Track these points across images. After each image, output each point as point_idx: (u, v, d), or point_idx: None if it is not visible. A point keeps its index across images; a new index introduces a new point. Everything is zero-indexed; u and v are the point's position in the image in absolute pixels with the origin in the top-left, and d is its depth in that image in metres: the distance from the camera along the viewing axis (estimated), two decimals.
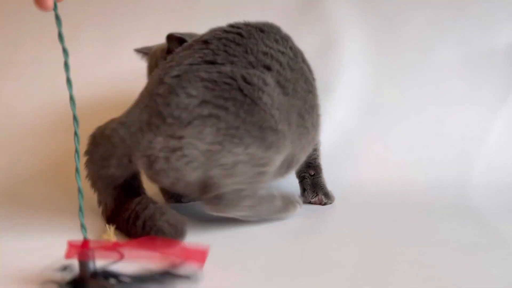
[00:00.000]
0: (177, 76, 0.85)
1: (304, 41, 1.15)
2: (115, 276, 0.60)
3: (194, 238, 0.80)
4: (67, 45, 1.66)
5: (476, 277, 0.69)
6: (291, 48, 1.01)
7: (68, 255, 0.61)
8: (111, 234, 0.81)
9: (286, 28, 1.06)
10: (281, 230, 0.92)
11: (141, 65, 1.46)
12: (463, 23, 1.51)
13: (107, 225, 0.84)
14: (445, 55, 1.51)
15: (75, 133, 0.62)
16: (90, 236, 0.62)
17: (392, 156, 1.41)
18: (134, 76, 1.43)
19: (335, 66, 1.54)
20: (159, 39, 1.62)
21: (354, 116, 1.50)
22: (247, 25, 0.97)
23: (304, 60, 1.05)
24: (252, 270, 0.70)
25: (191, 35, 1.06)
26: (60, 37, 0.66)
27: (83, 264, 0.59)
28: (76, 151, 0.63)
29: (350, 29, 1.58)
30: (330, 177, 1.17)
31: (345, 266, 0.72)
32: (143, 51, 1.23)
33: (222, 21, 1.01)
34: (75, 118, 0.63)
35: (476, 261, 0.75)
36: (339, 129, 1.45)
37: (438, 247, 0.82)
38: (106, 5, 1.73)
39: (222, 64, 0.88)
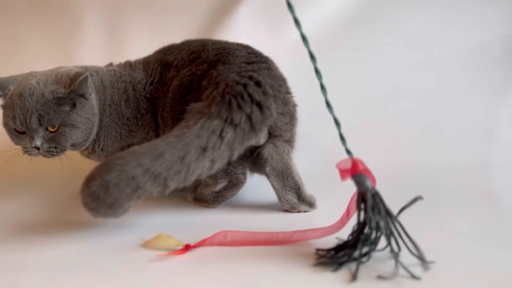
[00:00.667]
0: None
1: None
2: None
3: None
4: (71, 42, 1.66)
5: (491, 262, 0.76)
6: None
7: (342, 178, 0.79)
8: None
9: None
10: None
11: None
12: (460, 22, 1.59)
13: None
14: (445, 52, 1.59)
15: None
16: None
17: (406, 143, 1.50)
18: None
19: (340, 62, 1.60)
20: (162, 40, 1.72)
21: (364, 107, 1.57)
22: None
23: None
24: None
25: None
26: (312, 57, 0.81)
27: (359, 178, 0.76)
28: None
29: (350, 27, 1.63)
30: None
31: None
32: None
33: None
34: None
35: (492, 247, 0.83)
36: (351, 117, 1.47)
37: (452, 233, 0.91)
38: (111, 4, 1.73)
39: None
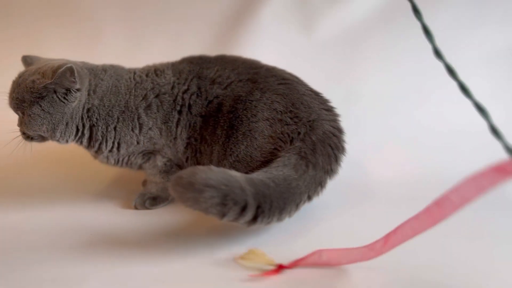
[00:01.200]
0: None
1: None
2: None
3: None
4: (91, 48, 1.62)
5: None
6: None
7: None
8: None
9: None
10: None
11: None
12: (485, 23, 1.51)
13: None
14: (468, 55, 1.50)
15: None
16: None
17: (422, 150, 1.40)
18: None
19: (361, 68, 1.55)
20: (183, 43, 1.62)
21: (381, 115, 1.50)
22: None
23: None
24: None
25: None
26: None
27: None
28: None
29: (373, 29, 1.57)
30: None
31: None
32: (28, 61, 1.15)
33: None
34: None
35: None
36: (365, 127, 1.45)
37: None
38: (130, 7, 1.67)
39: None
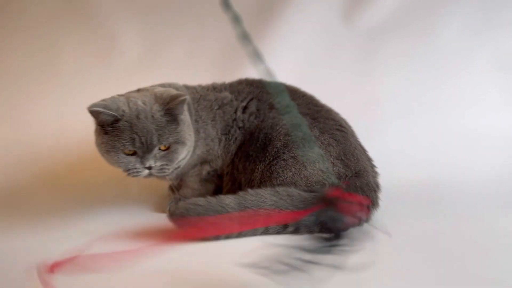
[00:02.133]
0: None
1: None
2: None
3: None
4: (107, 54, 1.64)
5: None
6: None
7: None
8: None
9: None
10: None
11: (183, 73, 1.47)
12: (498, 29, 1.53)
13: None
14: (481, 61, 1.54)
15: None
16: None
17: (440, 155, 1.44)
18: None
19: (375, 74, 1.57)
20: (200, 48, 1.60)
21: (397, 120, 1.52)
22: None
23: None
24: None
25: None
26: None
27: None
28: None
29: (388, 36, 1.59)
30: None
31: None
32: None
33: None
34: None
35: None
36: (388, 134, 1.48)
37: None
38: (145, 13, 1.67)
39: None
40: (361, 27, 1.59)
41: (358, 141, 1.14)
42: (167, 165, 1.01)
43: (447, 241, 0.94)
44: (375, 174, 1.10)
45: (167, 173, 1.03)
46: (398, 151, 1.43)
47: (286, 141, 1.08)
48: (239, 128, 1.15)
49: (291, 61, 1.58)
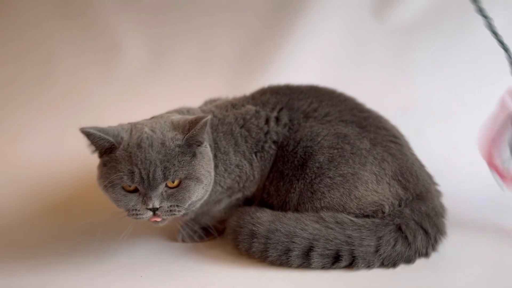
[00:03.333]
0: None
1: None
2: None
3: None
4: (109, 62, 1.50)
5: None
6: None
7: None
8: None
9: None
10: None
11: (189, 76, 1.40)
12: None
13: None
14: None
15: None
16: None
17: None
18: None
19: (409, 74, 1.45)
20: (209, 53, 1.47)
21: (437, 124, 1.41)
22: None
23: None
24: None
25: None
26: None
27: None
28: None
29: (422, 33, 1.47)
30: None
31: None
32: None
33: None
34: None
35: None
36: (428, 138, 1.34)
37: None
38: (149, 18, 1.55)
39: None
40: (393, 24, 1.47)
41: (414, 154, 0.99)
42: (177, 206, 0.83)
43: None
44: (438, 194, 0.95)
45: (177, 215, 0.86)
46: (440, 157, 1.28)
47: (331, 155, 0.92)
48: (274, 142, 0.97)
49: (319, 60, 1.47)
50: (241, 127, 0.97)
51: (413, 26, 1.46)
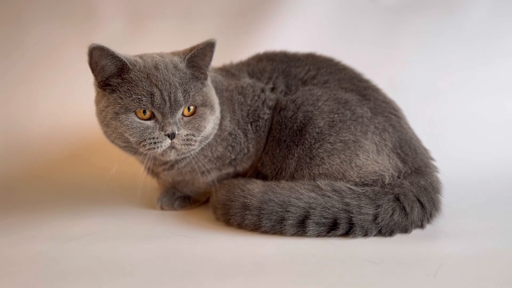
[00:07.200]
0: None
1: None
2: None
3: None
4: (82, 25, 1.45)
5: None
6: None
7: None
8: None
9: None
10: None
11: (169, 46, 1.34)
12: None
13: None
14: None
15: None
16: None
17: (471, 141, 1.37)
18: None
19: (398, 52, 1.45)
20: (191, 22, 1.41)
21: (423, 102, 1.41)
22: None
23: None
24: None
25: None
26: None
27: None
28: None
29: (413, 13, 1.46)
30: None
31: None
32: None
33: None
34: None
35: None
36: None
37: None
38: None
39: None
40: (385, 2, 1.46)
41: (411, 128, 0.96)
42: (193, 135, 0.80)
43: None
44: (436, 169, 0.93)
45: (193, 148, 0.82)
46: (427, 135, 1.25)
47: (331, 120, 0.88)
48: (269, 108, 0.94)
49: (307, 36, 1.44)
50: (239, 94, 0.95)
51: (402, 5, 1.45)
